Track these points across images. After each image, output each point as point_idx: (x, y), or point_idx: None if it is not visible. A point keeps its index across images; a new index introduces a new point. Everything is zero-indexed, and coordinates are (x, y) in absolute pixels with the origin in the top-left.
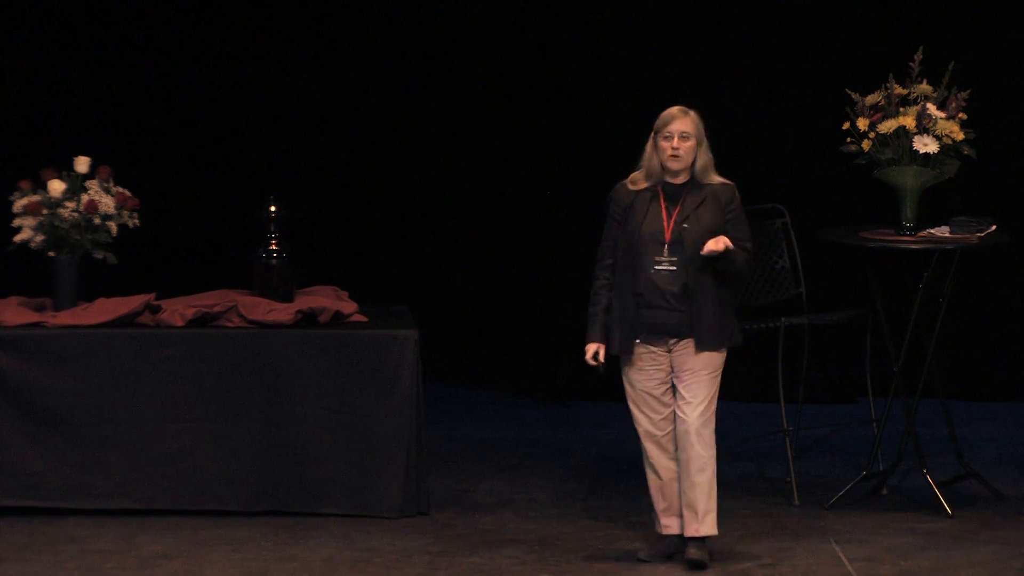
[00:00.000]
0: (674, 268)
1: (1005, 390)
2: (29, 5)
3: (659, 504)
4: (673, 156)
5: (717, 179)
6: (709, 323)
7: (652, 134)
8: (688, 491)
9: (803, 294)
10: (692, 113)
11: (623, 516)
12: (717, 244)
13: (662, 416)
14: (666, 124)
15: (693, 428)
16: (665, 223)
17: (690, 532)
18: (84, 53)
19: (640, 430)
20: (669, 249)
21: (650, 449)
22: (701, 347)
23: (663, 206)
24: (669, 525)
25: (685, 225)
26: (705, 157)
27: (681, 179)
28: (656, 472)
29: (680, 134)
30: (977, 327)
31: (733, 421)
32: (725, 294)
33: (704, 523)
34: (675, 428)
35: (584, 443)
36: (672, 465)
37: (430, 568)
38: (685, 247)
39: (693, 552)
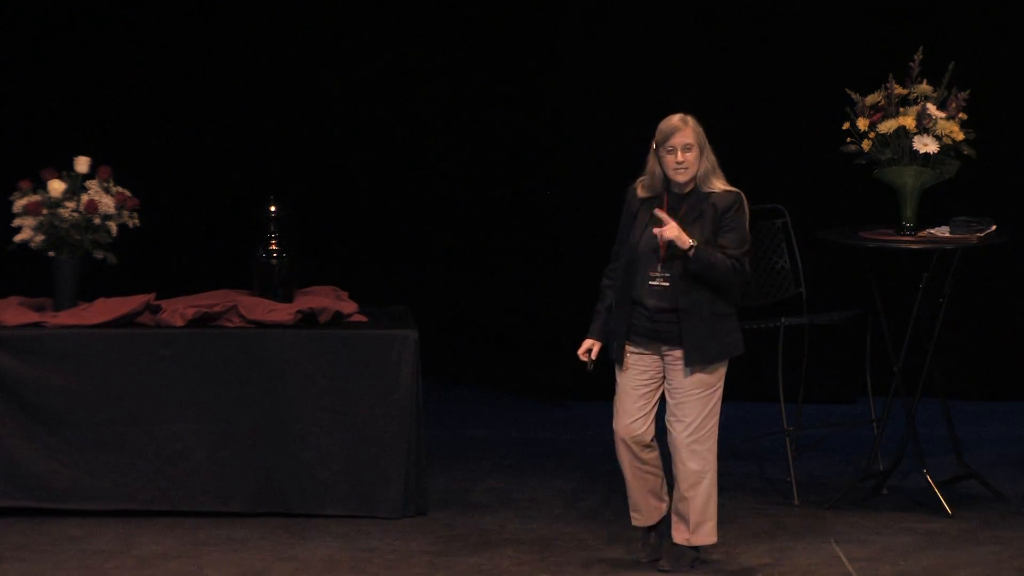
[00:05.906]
0: (667, 284)
1: (1005, 390)
2: (29, 5)
3: (629, 500)
4: (679, 169)
5: (721, 186)
6: (700, 340)
7: (653, 147)
8: (679, 503)
9: (803, 294)
10: (691, 120)
11: (623, 516)
12: (663, 232)
13: (633, 419)
14: (667, 138)
15: (682, 445)
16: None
17: (679, 539)
18: (84, 53)
19: (614, 426)
20: (663, 266)
21: (616, 445)
22: (690, 363)
23: None
24: (636, 517)
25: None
26: (707, 163)
27: (687, 188)
28: (623, 469)
29: (683, 147)
30: (977, 327)
31: (733, 421)
32: (722, 307)
33: (697, 533)
34: (668, 439)
35: (584, 443)
36: (634, 464)
37: (430, 568)
38: (678, 264)
39: (663, 564)
